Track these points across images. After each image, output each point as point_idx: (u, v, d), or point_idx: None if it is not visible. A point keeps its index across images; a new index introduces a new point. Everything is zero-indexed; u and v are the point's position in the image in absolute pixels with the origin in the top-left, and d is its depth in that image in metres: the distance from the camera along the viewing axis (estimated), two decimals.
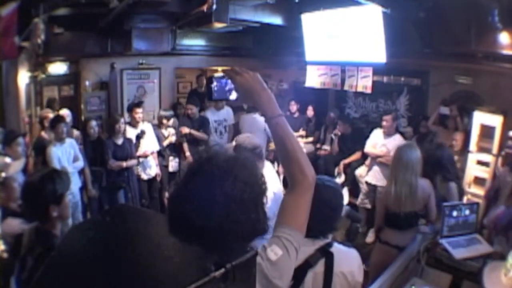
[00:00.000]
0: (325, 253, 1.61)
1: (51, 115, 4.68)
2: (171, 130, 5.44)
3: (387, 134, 4.83)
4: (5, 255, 2.18)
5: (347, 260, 1.66)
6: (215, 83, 1.29)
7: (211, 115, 5.71)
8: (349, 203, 5.28)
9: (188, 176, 0.98)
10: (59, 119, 4.26)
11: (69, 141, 4.25)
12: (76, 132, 4.83)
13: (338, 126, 5.98)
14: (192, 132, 5.30)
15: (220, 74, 1.31)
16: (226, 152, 1.02)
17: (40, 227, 1.88)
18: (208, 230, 0.88)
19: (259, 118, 5.46)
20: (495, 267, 2.04)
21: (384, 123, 4.84)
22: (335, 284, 1.59)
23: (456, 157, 4.04)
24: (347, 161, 5.62)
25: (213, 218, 0.89)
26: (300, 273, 1.55)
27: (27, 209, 1.92)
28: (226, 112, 5.82)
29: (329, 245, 1.66)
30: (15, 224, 2.23)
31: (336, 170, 5.68)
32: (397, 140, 4.79)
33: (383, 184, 4.72)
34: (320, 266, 1.59)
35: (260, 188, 0.99)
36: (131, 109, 5.07)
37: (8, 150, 3.54)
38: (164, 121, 5.37)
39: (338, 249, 1.66)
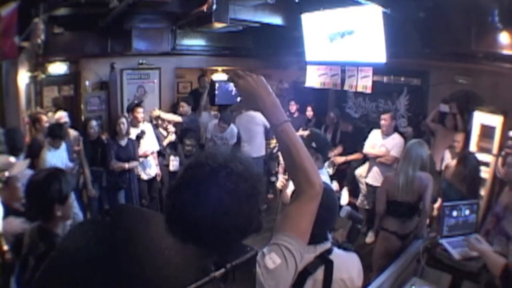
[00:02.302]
0: (325, 260, 1.61)
1: (43, 116, 4.64)
2: (171, 128, 5.44)
3: (386, 134, 4.84)
4: (8, 256, 2.18)
5: (347, 266, 1.66)
6: (217, 87, 1.25)
7: (214, 134, 5.61)
8: (349, 203, 5.29)
9: (185, 170, 1.00)
10: (58, 131, 4.13)
11: (63, 145, 4.22)
12: (74, 133, 4.82)
13: (340, 125, 6.02)
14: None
15: (223, 77, 1.28)
16: (225, 149, 1.03)
17: (42, 226, 1.88)
18: (201, 222, 0.89)
19: (256, 114, 5.46)
20: None
21: (382, 122, 4.86)
22: None
23: (456, 159, 4.05)
24: (348, 159, 5.62)
25: (206, 209, 0.89)
26: (299, 280, 1.54)
27: (31, 208, 1.92)
28: (230, 131, 5.62)
29: (329, 251, 1.65)
30: (16, 223, 2.23)
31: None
32: (395, 139, 4.80)
33: None
34: (319, 274, 1.59)
35: (255, 184, 0.99)
36: (132, 109, 5.07)
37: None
38: (160, 121, 5.39)
39: (337, 255, 1.66)
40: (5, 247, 2.20)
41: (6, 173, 2.62)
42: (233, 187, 0.93)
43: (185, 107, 5.59)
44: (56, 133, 4.09)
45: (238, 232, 0.94)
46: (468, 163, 3.63)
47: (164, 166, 5.38)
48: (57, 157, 4.07)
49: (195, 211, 0.89)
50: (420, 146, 3.33)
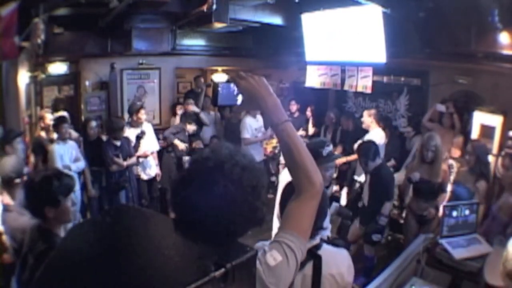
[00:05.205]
0: (313, 255, 1.60)
1: (48, 115, 4.69)
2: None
3: (367, 129, 4.93)
4: (8, 255, 2.17)
5: (336, 261, 1.65)
6: (220, 88, 1.27)
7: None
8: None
9: (191, 163, 1.04)
10: (62, 119, 4.30)
11: (70, 142, 4.31)
12: (74, 134, 4.83)
13: (341, 123, 6.02)
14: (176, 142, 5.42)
15: (223, 78, 1.30)
16: (228, 145, 1.07)
17: (42, 225, 1.88)
18: (209, 212, 0.91)
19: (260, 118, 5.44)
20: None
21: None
22: (325, 286, 1.59)
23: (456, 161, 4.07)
24: (348, 159, 5.61)
25: (213, 199, 0.93)
26: None
27: (27, 207, 1.93)
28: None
29: (318, 247, 1.65)
30: (23, 220, 2.21)
31: None
32: (373, 135, 4.77)
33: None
34: (308, 269, 1.59)
35: (259, 176, 1.02)
36: (135, 111, 5.03)
37: (8, 148, 3.53)
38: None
39: (327, 250, 1.65)
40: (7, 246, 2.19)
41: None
42: (238, 178, 0.96)
43: (190, 106, 5.67)
44: (60, 120, 4.20)
45: (243, 221, 0.97)
46: (476, 151, 3.66)
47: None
48: (65, 150, 4.13)
49: (203, 202, 0.92)
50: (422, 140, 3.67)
